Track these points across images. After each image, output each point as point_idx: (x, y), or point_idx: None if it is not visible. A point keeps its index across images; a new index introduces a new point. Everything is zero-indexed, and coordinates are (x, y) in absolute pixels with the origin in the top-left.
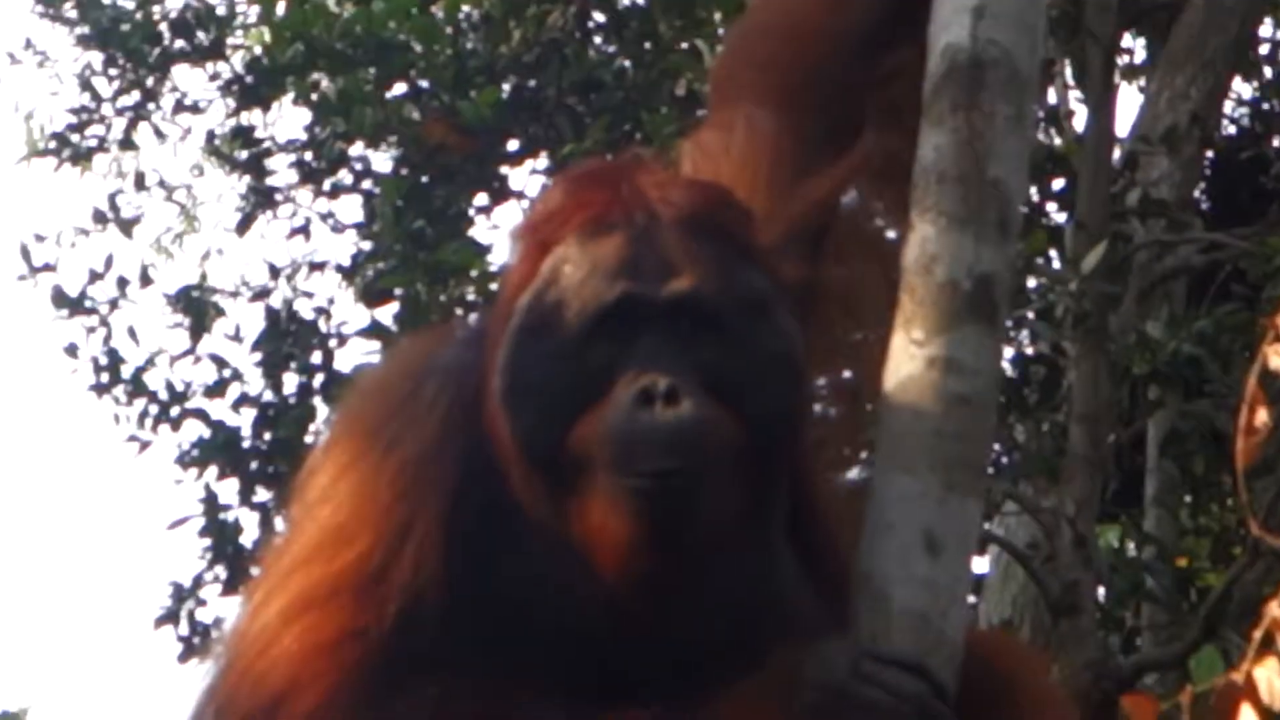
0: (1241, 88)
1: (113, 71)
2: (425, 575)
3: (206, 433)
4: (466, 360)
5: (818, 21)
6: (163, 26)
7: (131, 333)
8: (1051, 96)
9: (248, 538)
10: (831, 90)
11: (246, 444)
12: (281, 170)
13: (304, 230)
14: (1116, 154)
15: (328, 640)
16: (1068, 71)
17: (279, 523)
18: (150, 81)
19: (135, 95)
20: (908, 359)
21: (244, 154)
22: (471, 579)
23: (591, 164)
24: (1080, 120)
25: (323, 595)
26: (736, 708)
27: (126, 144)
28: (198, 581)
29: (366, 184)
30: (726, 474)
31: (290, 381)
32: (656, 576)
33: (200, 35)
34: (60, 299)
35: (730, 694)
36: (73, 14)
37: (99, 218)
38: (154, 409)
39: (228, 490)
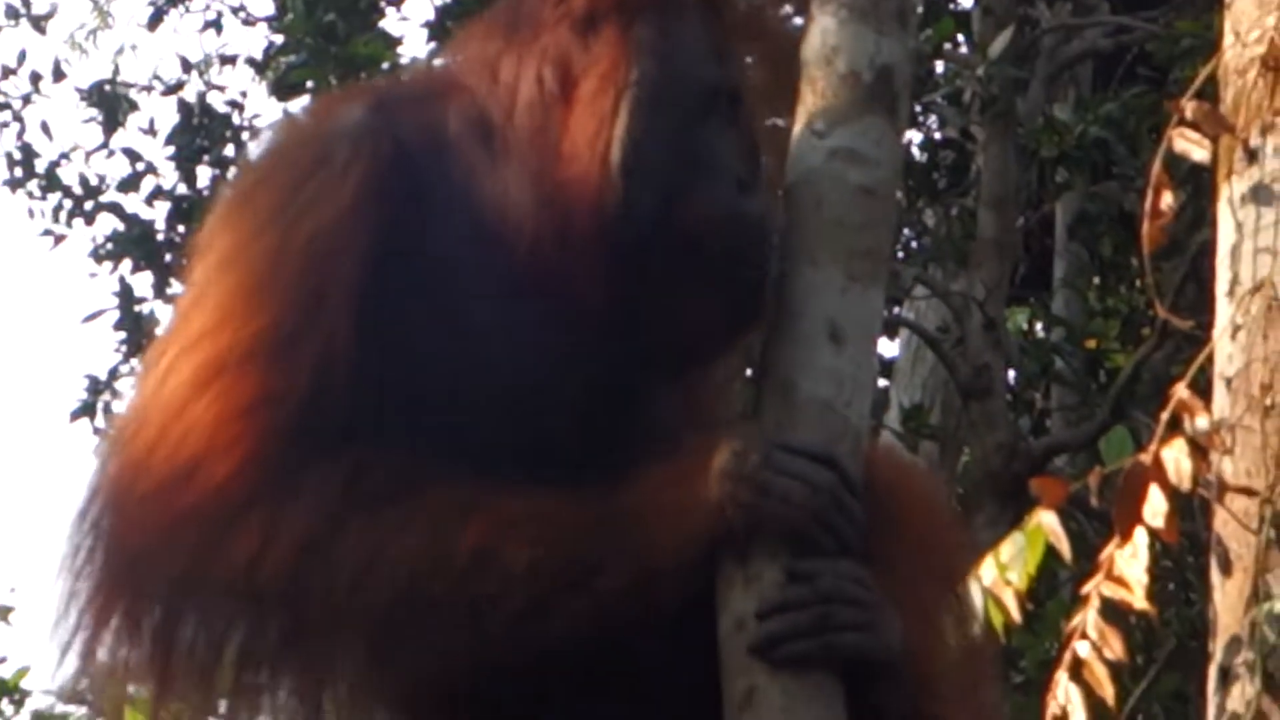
0: None
1: None
2: (339, 342)
3: (121, 226)
4: (383, 123)
5: None
6: None
7: (45, 128)
8: None
9: (162, 329)
10: None
11: (161, 237)
12: None
13: (216, 24)
14: None
15: (241, 406)
16: None
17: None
18: None
19: None
20: (810, 150)
21: None
22: (390, 347)
23: None
24: None
25: (234, 361)
26: (649, 491)
27: None
28: (113, 374)
29: None
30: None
31: (204, 175)
32: (708, 354)
33: None
34: None
35: (644, 478)
36: None
37: (11, 13)
38: (68, 203)
39: (142, 283)
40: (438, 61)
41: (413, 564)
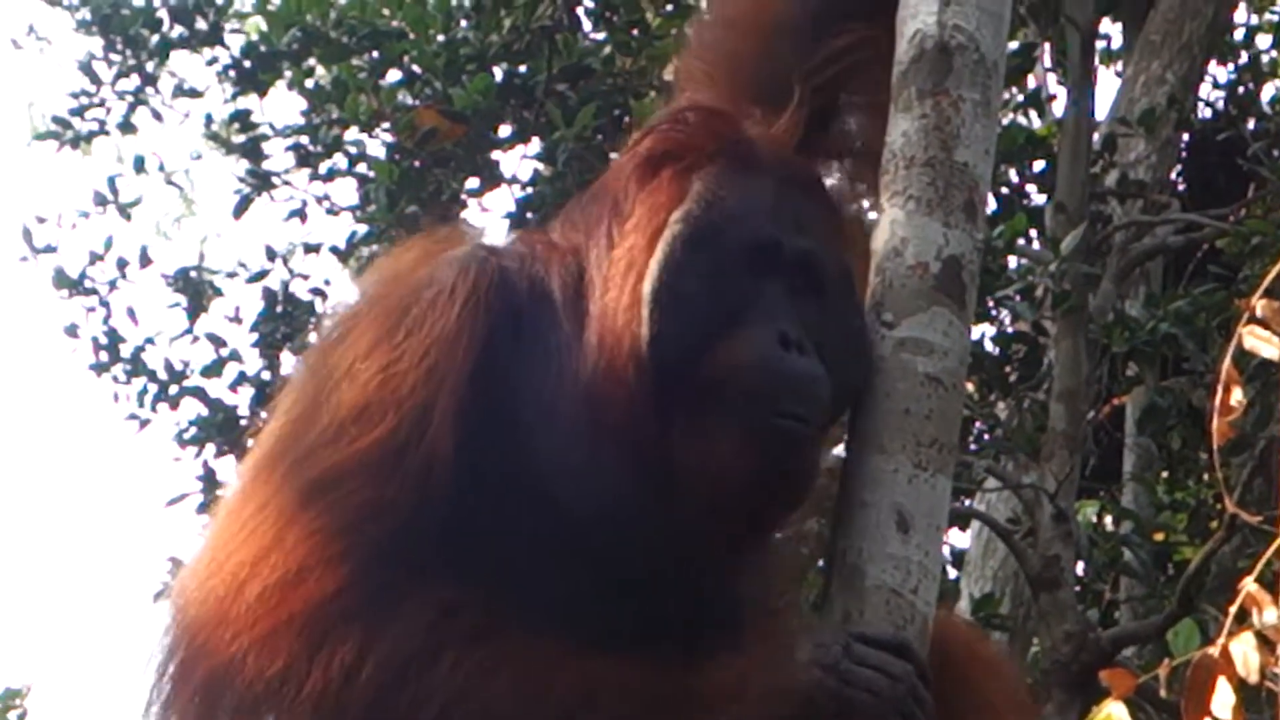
0: (1217, 71)
1: (113, 57)
2: (440, 460)
3: (205, 411)
4: (488, 254)
5: (774, 10)
6: (162, 13)
7: (131, 313)
8: (1031, 81)
9: None
10: (796, 78)
11: (244, 422)
12: (278, 155)
13: (300, 213)
14: (1095, 137)
15: (350, 519)
16: (1047, 56)
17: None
18: (150, 67)
19: (135, 80)
20: (879, 340)
21: (241, 138)
22: (480, 473)
23: (702, 104)
24: (1060, 104)
25: (347, 474)
26: (736, 674)
27: (126, 128)
28: None
29: (361, 168)
30: (822, 430)
31: (287, 361)
32: (749, 513)
33: (199, 21)
34: (61, 280)
35: (728, 660)
36: (74, 0)
37: (99, 200)
38: (153, 388)
39: (225, 467)
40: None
41: (500, 708)
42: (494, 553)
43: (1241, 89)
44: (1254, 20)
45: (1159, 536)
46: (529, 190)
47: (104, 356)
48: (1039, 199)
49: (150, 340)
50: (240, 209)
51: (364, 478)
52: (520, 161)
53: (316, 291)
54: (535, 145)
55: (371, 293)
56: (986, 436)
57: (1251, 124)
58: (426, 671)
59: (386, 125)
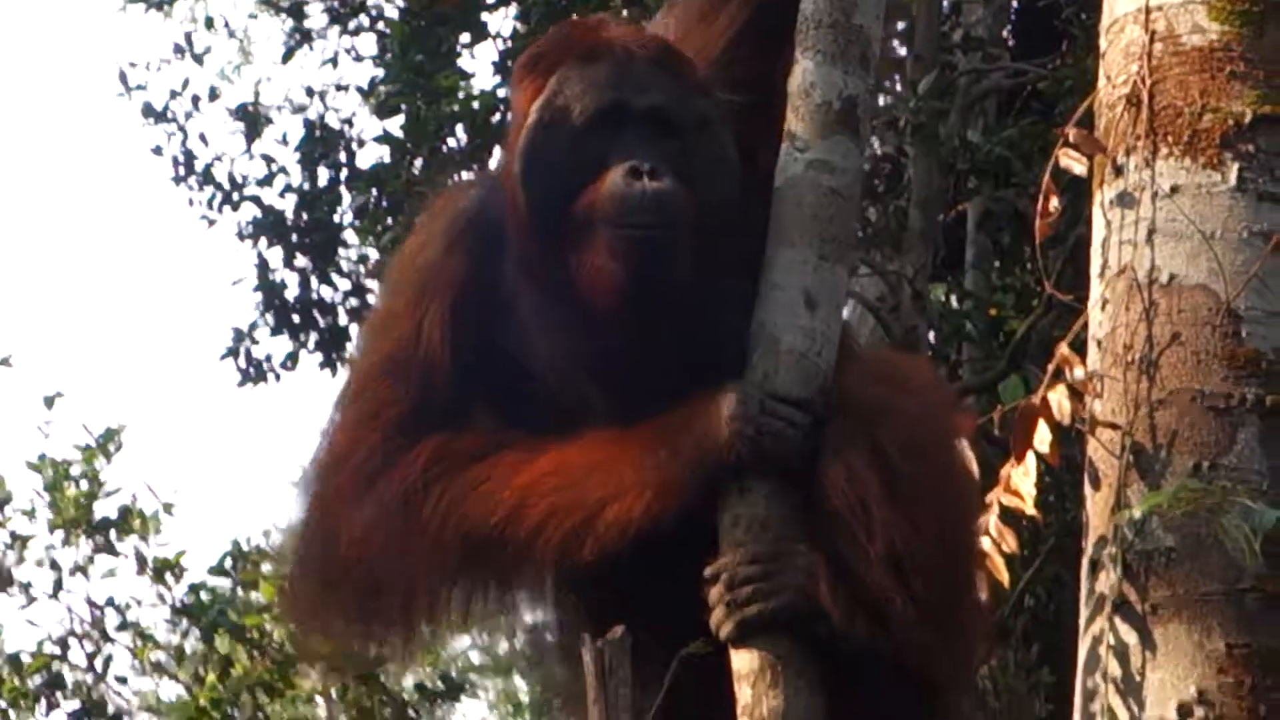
0: None
1: None
2: (437, 357)
3: (259, 214)
4: (479, 194)
5: None
6: None
7: (202, 138)
8: None
9: (290, 293)
10: None
11: (289, 222)
12: (315, 15)
13: (333, 61)
14: (944, 3)
15: (371, 410)
16: None
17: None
18: None
19: None
20: (792, 161)
21: (287, 3)
22: (477, 347)
23: (572, 19)
24: None
25: (369, 379)
26: (670, 428)
27: None
28: (252, 326)
29: (380, 26)
30: (686, 236)
31: (322, 175)
32: (638, 308)
33: None
34: (149, 111)
35: (663, 419)
36: None
37: (177, 50)
38: (219, 196)
39: (275, 257)
40: None
41: (474, 516)
42: (493, 405)
43: None
44: None
45: (993, 312)
46: (509, 44)
47: (181, 171)
48: (901, 51)
49: (217, 158)
50: (286, 57)
51: (381, 379)
52: (503, 21)
53: (345, 121)
54: (514, 9)
55: (402, 253)
56: (860, 234)
57: None
58: (420, 502)
59: None
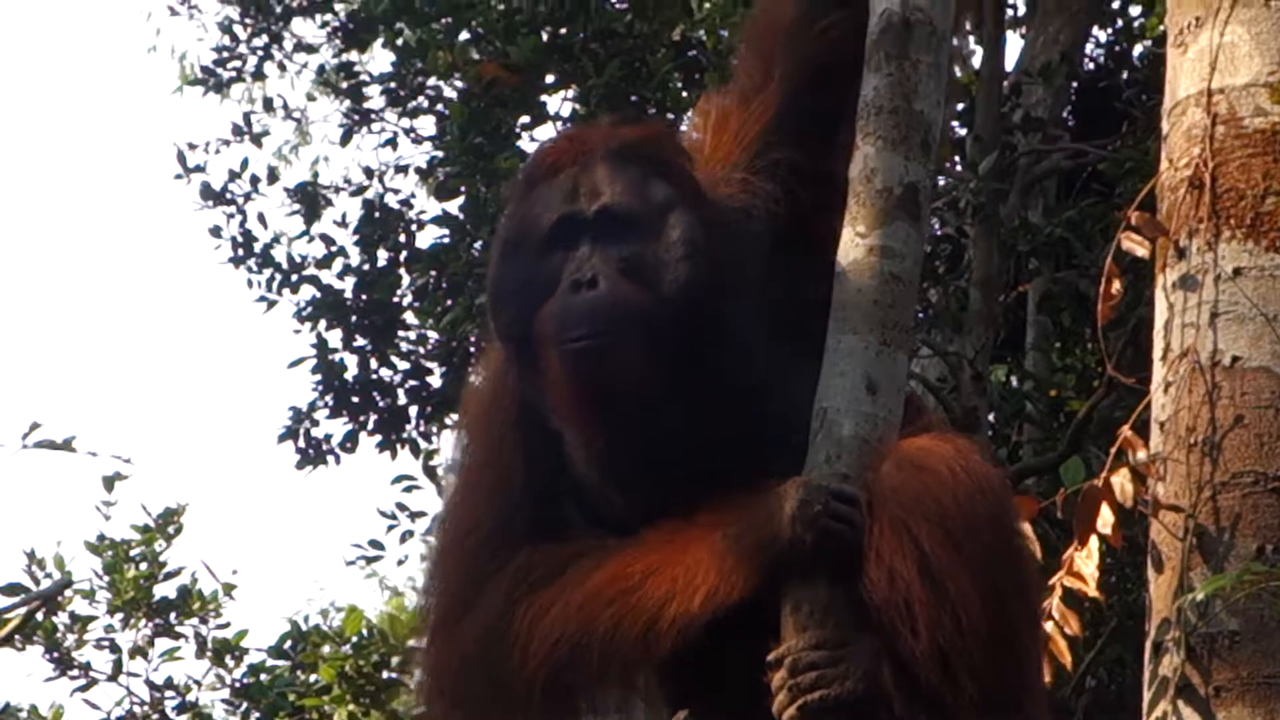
0: (1099, 33)
1: (247, 20)
2: (514, 490)
3: (318, 294)
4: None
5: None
6: None
7: (261, 219)
8: (955, 41)
9: (349, 374)
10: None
11: (348, 303)
12: (374, 97)
13: (392, 142)
14: (1005, 84)
15: (461, 531)
16: (967, 23)
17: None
18: (276, 28)
19: (264, 38)
20: (854, 247)
21: (346, 84)
22: (536, 481)
23: (570, 128)
24: (977, 59)
25: (471, 520)
26: (732, 529)
27: (258, 75)
28: (311, 407)
29: (439, 108)
30: (639, 335)
31: (381, 255)
32: (608, 416)
33: None
34: (207, 193)
35: (724, 519)
36: None
37: (236, 131)
38: (278, 277)
39: (334, 338)
40: None
41: (560, 627)
42: (554, 527)
43: (1118, 48)
44: None
45: (1053, 393)
46: (569, 125)
47: (240, 252)
48: (961, 132)
49: (276, 239)
50: (345, 138)
51: (476, 545)
52: (562, 103)
53: (404, 202)
54: (573, 90)
55: (467, 410)
56: (921, 315)
57: (1125, 74)
58: (507, 620)
59: (459, 74)
